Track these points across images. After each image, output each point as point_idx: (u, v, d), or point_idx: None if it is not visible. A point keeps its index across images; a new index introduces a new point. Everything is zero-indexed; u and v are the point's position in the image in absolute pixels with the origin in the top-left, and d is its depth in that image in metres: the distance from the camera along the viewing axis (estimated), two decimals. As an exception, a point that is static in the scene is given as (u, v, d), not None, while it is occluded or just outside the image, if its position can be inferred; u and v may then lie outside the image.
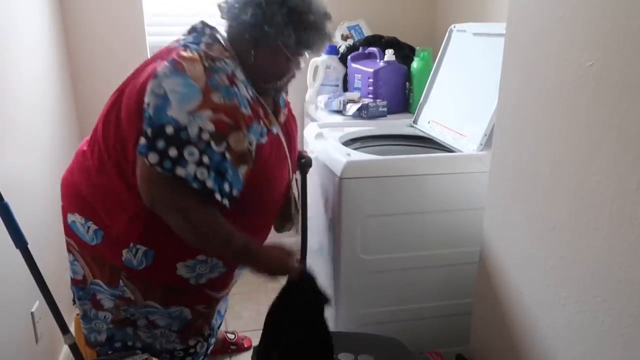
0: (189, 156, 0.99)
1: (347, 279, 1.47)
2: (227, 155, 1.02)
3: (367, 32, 2.34)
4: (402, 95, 2.11)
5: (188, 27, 1.20)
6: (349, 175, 1.37)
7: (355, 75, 2.13)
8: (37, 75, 1.79)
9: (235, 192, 1.07)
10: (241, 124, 1.05)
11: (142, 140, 1.02)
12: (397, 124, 1.90)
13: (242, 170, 1.07)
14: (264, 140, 1.15)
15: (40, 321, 1.55)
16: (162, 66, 1.04)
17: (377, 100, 1.99)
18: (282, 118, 1.30)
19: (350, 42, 2.30)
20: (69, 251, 1.28)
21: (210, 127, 1.00)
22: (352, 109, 1.95)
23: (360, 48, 2.19)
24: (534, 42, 0.96)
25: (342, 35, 2.34)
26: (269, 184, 1.21)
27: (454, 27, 1.78)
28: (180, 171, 0.99)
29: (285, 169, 1.26)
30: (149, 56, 2.27)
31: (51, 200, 1.82)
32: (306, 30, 1.11)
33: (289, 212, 1.39)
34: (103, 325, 1.30)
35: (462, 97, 1.67)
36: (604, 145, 0.80)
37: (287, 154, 1.26)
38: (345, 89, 2.27)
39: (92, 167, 1.17)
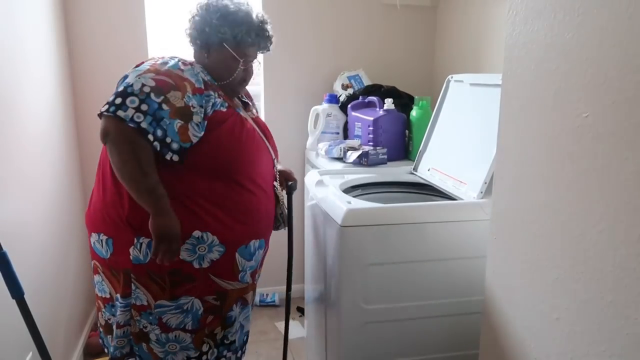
0: (130, 103, 1.23)
1: (348, 329, 1.44)
2: (164, 106, 1.25)
3: (366, 82, 2.40)
4: (401, 142, 2.14)
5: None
6: (349, 223, 1.36)
7: (356, 123, 2.17)
8: (40, 121, 1.82)
9: (173, 144, 1.26)
10: (182, 86, 1.29)
11: (105, 106, 1.25)
12: (397, 171, 1.91)
13: (178, 123, 1.26)
14: (224, 109, 1.38)
15: (33, 374, 1.51)
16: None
17: (378, 147, 2.01)
18: (254, 112, 1.56)
19: (350, 91, 2.35)
20: (96, 273, 1.42)
21: (151, 83, 1.25)
22: (352, 156, 1.97)
23: (360, 97, 2.24)
24: (529, 93, 0.98)
25: (343, 85, 2.40)
26: (247, 152, 1.41)
27: (452, 77, 1.83)
28: (120, 113, 1.22)
29: (265, 151, 1.48)
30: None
31: (49, 249, 1.81)
32: (239, 26, 1.39)
33: (279, 212, 1.55)
34: (124, 340, 1.40)
35: (461, 145, 1.69)
36: (605, 195, 0.80)
37: (265, 140, 1.49)
38: (346, 136, 2.31)
39: (98, 179, 1.40)
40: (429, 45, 2.58)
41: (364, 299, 1.42)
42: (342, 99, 2.32)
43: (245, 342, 1.53)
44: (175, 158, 1.27)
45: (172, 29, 2.35)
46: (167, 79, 1.27)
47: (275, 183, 1.53)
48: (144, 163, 1.25)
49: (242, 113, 1.45)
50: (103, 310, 1.44)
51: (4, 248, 1.16)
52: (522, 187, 1.02)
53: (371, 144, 2.07)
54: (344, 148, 2.03)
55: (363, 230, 1.37)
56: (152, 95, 1.23)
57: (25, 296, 1.19)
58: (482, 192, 1.47)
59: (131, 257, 1.31)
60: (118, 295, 1.36)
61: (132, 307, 1.35)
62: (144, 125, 1.22)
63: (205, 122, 1.31)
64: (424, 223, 1.40)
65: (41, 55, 1.85)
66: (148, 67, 1.29)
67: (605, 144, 0.80)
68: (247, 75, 1.48)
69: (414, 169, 1.89)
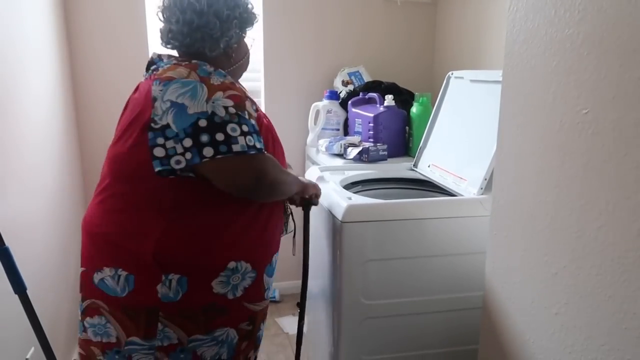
0: (233, 132, 1.09)
1: (348, 324, 1.45)
2: (251, 119, 1.15)
3: (367, 78, 2.40)
4: (402, 139, 2.14)
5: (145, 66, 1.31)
6: (350, 219, 1.37)
7: (356, 119, 2.17)
8: (42, 120, 1.82)
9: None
10: (243, 92, 1.19)
11: (188, 155, 1.09)
12: (397, 168, 1.92)
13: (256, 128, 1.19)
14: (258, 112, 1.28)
15: (35, 369, 1.52)
16: (152, 90, 1.12)
17: (378, 144, 2.01)
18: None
19: (350, 87, 2.36)
20: (98, 314, 1.21)
21: (230, 102, 1.11)
22: (353, 152, 1.98)
23: (361, 93, 2.24)
24: (529, 90, 0.99)
25: (343, 81, 2.40)
26: (276, 150, 1.32)
27: (452, 73, 1.83)
28: (235, 147, 1.09)
29: (279, 146, 1.37)
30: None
31: (51, 245, 1.81)
32: (236, 7, 1.25)
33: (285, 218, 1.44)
34: None
35: (461, 141, 1.69)
36: (603, 191, 0.81)
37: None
38: (346, 133, 2.31)
39: (114, 208, 1.20)
40: (429, 42, 2.59)
41: (364, 295, 1.42)
42: (342, 95, 2.32)
43: None
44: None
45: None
46: (233, 92, 1.15)
47: None
48: (282, 169, 1.22)
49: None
50: (99, 357, 1.24)
51: (6, 244, 1.16)
52: (521, 183, 1.03)
53: (371, 140, 2.08)
54: (344, 144, 2.04)
55: (363, 226, 1.38)
56: (241, 113, 1.12)
57: (27, 291, 1.20)
58: (482, 189, 1.48)
59: (159, 295, 1.16)
60: (135, 339, 1.19)
61: (157, 349, 1.19)
62: (259, 145, 1.14)
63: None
64: (424, 219, 1.40)
65: (41, 55, 1.85)
66: (203, 86, 1.11)
67: (605, 140, 0.80)
68: (248, 60, 1.40)
69: (414, 165, 1.90)
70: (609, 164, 0.80)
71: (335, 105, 2.29)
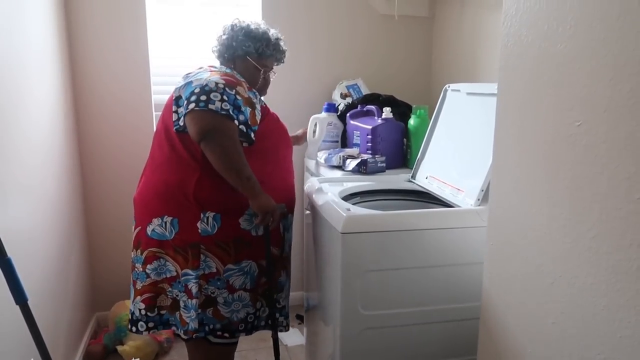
0: (214, 97, 1.43)
1: (347, 334, 1.45)
2: (238, 97, 1.48)
3: (365, 91, 2.43)
4: (400, 151, 2.16)
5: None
6: (349, 230, 1.38)
7: (354, 132, 2.19)
8: (42, 129, 1.84)
9: (249, 128, 1.50)
10: (241, 84, 1.54)
11: (181, 110, 1.49)
12: (395, 179, 1.93)
13: (248, 110, 1.50)
14: (266, 105, 1.65)
15: (34, 380, 1.51)
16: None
17: (376, 155, 2.03)
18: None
19: (349, 100, 2.38)
20: (157, 258, 1.56)
21: (222, 81, 1.48)
22: (351, 164, 1.99)
23: (359, 106, 2.26)
24: (524, 103, 1.01)
25: (341, 94, 2.42)
26: (285, 137, 1.70)
27: (449, 86, 1.85)
28: (211, 106, 1.42)
29: (289, 139, 1.75)
30: (153, 112, 2.35)
31: (50, 256, 1.82)
32: (260, 41, 1.66)
33: None
34: (193, 313, 1.54)
35: (458, 153, 1.71)
36: (596, 202, 0.82)
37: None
38: (344, 145, 2.33)
39: (160, 169, 1.58)
40: (426, 55, 2.62)
41: (363, 305, 1.43)
42: (340, 107, 2.35)
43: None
44: (242, 128, 1.48)
45: (174, 29, 2.38)
46: (231, 78, 1.52)
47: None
48: (242, 152, 1.46)
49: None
50: (169, 289, 1.58)
51: (8, 255, 1.17)
52: (517, 194, 1.05)
53: (370, 152, 2.10)
54: (343, 156, 2.06)
55: (362, 236, 1.39)
56: (227, 89, 1.46)
57: (28, 302, 1.20)
58: (479, 200, 1.49)
59: (200, 231, 1.51)
60: (187, 270, 1.53)
61: (201, 277, 1.52)
62: (231, 112, 1.43)
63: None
64: (422, 230, 1.42)
65: (43, 59, 1.87)
66: (207, 74, 1.53)
67: (597, 152, 0.82)
68: (265, 84, 1.75)
69: (412, 176, 1.91)
70: (601, 175, 0.81)
71: (333, 118, 2.31)
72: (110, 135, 2.33)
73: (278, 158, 1.66)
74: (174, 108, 1.53)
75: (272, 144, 1.63)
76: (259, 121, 1.55)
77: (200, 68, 1.64)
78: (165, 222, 1.53)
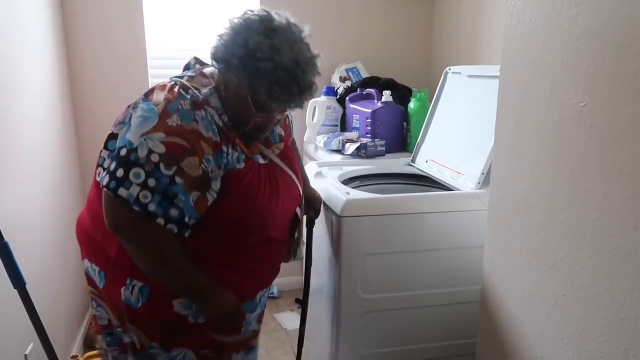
0: (134, 178, 0.99)
1: (347, 318, 1.45)
2: (178, 179, 1.00)
3: (364, 74, 2.40)
4: (399, 135, 2.15)
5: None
6: (348, 214, 1.37)
7: (354, 115, 2.17)
8: (40, 116, 1.82)
9: (190, 220, 1.04)
10: (199, 148, 1.03)
11: (101, 171, 1.10)
12: (395, 163, 1.92)
13: (195, 196, 1.03)
14: (241, 165, 1.12)
15: (34, 365, 1.52)
16: (137, 100, 1.11)
17: (376, 139, 2.02)
18: (276, 152, 1.25)
19: (348, 84, 2.36)
20: (92, 299, 1.26)
21: (161, 149, 1.00)
22: (351, 148, 1.98)
23: (359, 89, 2.24)
24: (527, 84, 0.99)
25: (341, 78, 2.40)
26: (264, 210, 1.16)
27: (450, 69, 1.83)
28: (122, 192, 0.99)
29: (287, 192, 1.23)
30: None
31: (51, 241, 1.81)
32: (261, 79, 1.03)
33: (293, 247, 1.33)
34: None
35: (459, 137, 1.70)
36: (600, 184, 0.82)
37: (291, 174, 1.25)
38: (343, 129, 2.31)
39: (93, 192, 1.20)
40: (427, 38, 2.59)
41: (363, 289, 1.43)
42: (340, 91, 2.32)
43: None
44: (173, 228, 1.03)
45: (170, 24, 2.35)
46: (181, 141, 1.01)
47: (297, 210, 1.30)
48: (166, 254, 1.06)
49: (263, 157, 1.20)
50: (102, 336, 1.28)
51: (5, 239, 1.16)
52: (519, 176, 1.04)
53: (369, 136, 2.08)
54: (342, 140, 2.04)
55: (362, 220, 1.38)
56: (162, 167, 0.99)
57: (27, 287, 1.20)
58: (479, 183, 1.48)
59: (123, 298, 1.12)
60: (119, 323, 1.20)
61: (127, 345, 1.21)
62: (152, 208, 0.99)
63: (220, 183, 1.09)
64: (422, 213, 1.41)
65: (39, 52, 1.85)
66: (156, 119, 1.02)
67: (602, 133, 0.81)
68: (266, 126, 1.17)
69: (412, 160, 1.90)
70: (605, 157, 0.80)
71: (332, 102, 2.29)
72: (108, 120, 2.30)
73: (251, 237, 1.16)
74: (106, 143, 1.11)
75: (241, 221, 1.13)
76: (217, 198, 1.07)
77: (169, 90, 1.08)
78: (95, 270, 1.18)
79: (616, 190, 0.78)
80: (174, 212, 1.01)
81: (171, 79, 1.15)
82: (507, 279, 1.10)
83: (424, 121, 1.91)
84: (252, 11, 1.09)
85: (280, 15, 1.10)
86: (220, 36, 1.09)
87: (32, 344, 1.51)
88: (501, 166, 1.11)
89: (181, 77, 1.15)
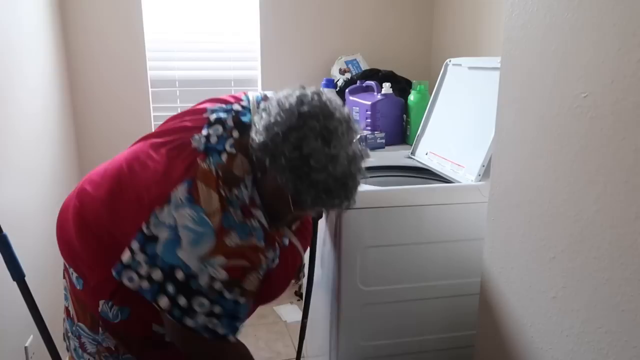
0: (199, 307, 0.93)
1: (347, 311, 1.45)
2: (241, 299, 0.96)
3: (364, 66, 2.39)
4: (399, 127, 2.14)
5: (221, 98, 1.12)
6: (348, 206, 1.37)
7: (353, 108, 2.16)
8: (38, 109, 1.81)
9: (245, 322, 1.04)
10: (257, 263, 0.97)
11: (146, 284, 0.95)
12: (395, 156, 1.91)
13: (250, 302, 1.02)
14: (275, 264, 1.08)
15: (34, 356, 1.52)
16: (177, 190, 0.94)
17: (375, 132, 2.01)
18: (297, 225, 1.20)
19: (347, 76, 2.35)
20: (65, 286, 1.22)
21: (223, 275, 0.92)
22: (350, 140, 1.97)
23: (358, 82, 2.23)
24: (528, 75, 0.99)
25: (340, 70, 2.39)
26: (273, 290, 1.16)
27: (450, 61, 1.82)
28: (189, 322, 0.94)
29: (296, 265, 1.22)
30: (149, 89, 2.32)
31: (49, 232, 1.81)
32: (310, 187, 0.94)
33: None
34: None
35: (459, 129, 1.69)
36: (601, 175, 0.81)
37: (302, 252, 1.23)
38: (343, 121, 2.30)
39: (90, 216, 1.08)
40: (426, 30, 2.57)
41: (362, 281, 1.43)
42: (339, 83, 2.31)
43: None
44: (235, 340, 1.02)
45: (169, 15, 2.33)
46: (242, 262, 0.94)
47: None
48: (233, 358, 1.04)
49: (287, 239, 1.15)
50: (65, 319, 1.21)
51: (4, 231, 1.16)
52: (519, 168, 1.03)
53: (369, 128, 2.07)
54: (341, 133, 2.03)
55: (361, 212, 1.38)
56: (226, 293, 0.93)
57: (25, 279, 1.20)
58: (480, 175, 1.48)
59: (99, 310, 1.06)
60: (84, 326, 1.13)
61: (100, 344, 1.13)
62: (221, 331, 0.96)
63: None
64: (422, 206, 1.41)
65: (37, 47, 1.83)
66: (212, 238, 0.92)
67: (603, 124, 0.80)
68: (300, 219, 1.14)
69: (411, 153, 1.90)
70: (607, 148, 0.80)
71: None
72: (105, 112, 2.30)
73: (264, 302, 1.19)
74: (135, 242, 0.95)
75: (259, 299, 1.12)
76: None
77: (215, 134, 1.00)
78: (72, 273, 1.11)
79: (617, 182, 0.78)
80: (238, 324, 0.99)
81: (209, 149, 0.99)
82: (506, 271, 1.10)
83: (423, 113, 1.90)
84: (305, 96, 0.97)
85: (332, 102, 0.99)
86: (269, 119, 0.95)
87: (31, 336, 1.51)
88: (501, 158, 1.11)
89: (219, 151, 0.99)
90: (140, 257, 0.95)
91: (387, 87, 2.09)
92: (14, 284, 1.19)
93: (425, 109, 1.90)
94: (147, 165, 1.01)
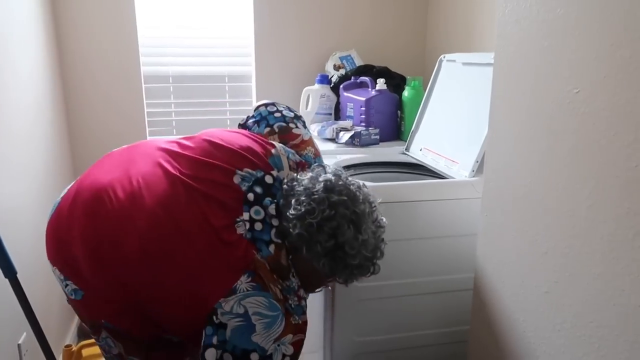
0: None
1: (340, 306, 1.46)
2: None
3: (358, 62, 2.39)
4: (393, 123, 2.14)
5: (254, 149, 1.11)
6: (342, 202, 1.37)
7: (348, 104, 2.16)
8: (29, 104, 1.80)
9: None
10: (305, 333, 1.05)
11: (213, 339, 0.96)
12: (389, 152, 1.92)
13: None
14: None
15: (27, 354, 1.52)
16: (241, 281, 0.96)
17: (370, 128, 2.01)
18: None
19: (342, 71, 2.34)
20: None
21: (291, 350, 0.98)
22: (344, 136, 1.97)
23: (352, 77, 2.23)
24: (521, 70, 0.99)
25: (335, 65, 2.38)
26: None
27: (444, 57, 1.82)
28: None
29: None
30: (142, 85, 2.30)
31: (41, 229, 1.80)
32: (345, 269, 1.04)
33: None
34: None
35: (453, 125, 1.69)
36: (594, 170, 0.81)
37: None
38: (337, 117, 2.30)
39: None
40: (421, 25, 2.57)
41: (357, 277, 1.43)
42: (334, 79, 2.31)
43: None
44: None
45: (162, 10, 2.32)
46: (302, 337, 1.02)
47: None
48: None
49: None
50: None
51: (-4, 228, 1.15)
52: (513, 163, 1.03)
53: (363, 124, 2.07)
54: (336, 129, 2.03)
55: (356, 209, 1.38)
56: None
57: (18, 276, 1.19)
58: (473, 171, 1.49)
59: (103, 320, 1.04)
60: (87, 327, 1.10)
61: (102, 348, 1.11)
62: None
63: None
64: (416, 201, 1.41)
65: (28, 37, 1.82)
66: (283, 321, 0.97)
67: (596, 119, 0.80)
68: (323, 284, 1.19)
69: (406, 149, 1.90)
70: (599, 143, 0.80)
71: (326, 90, 2.28)
72: (98, 108, 2.28)
73: None
74: (212, 337, 0.96)
75: None
76: None
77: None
78: (67, 285, 1.04)
79: (610, 177, 0.78)
80: None
81: (256, 240, 1.01)
82: (499, 266, 1.10)
83: (418, 109, 1.90)
84: (331, 182, 1.03)
85: (353, 183, 1.07)
86: (300, 209, 1.00)
87: (24, 333, 1.50)
88: (495, 154, 1.11)
89: (267, 242, 1.02)
90: (213, 339, 0.96)
91: (381, 83, 2.09)
92: (6, 281, 1.18)
93: (419, 105, 1.90)
94: (194, 241, 0.99)
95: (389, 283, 1.46)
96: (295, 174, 1.10)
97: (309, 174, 1.07)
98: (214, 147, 1.10)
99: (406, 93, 2.09)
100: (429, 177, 1.70)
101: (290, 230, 1.01)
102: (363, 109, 2.07)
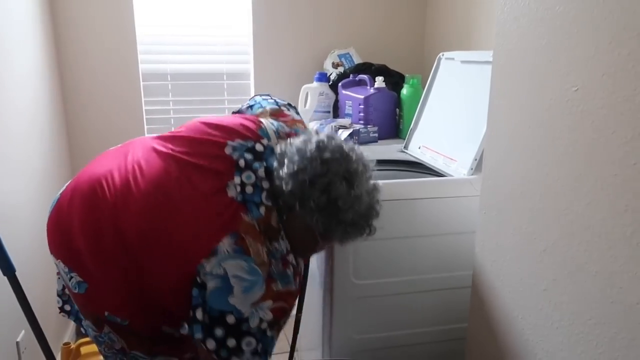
0: (246, 346, 0.97)
1: (339, 304, 1.46)
2: (276, 335, 1.03)
3: (357, 60, 2.39)
4: (392, 121, 2.14)
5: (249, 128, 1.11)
6: (341, 200, 1.37)
7: (346, 101, 2.16)
8: (28, 102, 1.79)
9: None
10: (292, 303, 1.06)
11: (197, 326, 0.98)
12: (388, 150, 1.92)
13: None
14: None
15: (26, 351, 1.52)
16: (223, 242, 0.97)
17: (368, 126, 2.01)
18: None
19: (340, 69, 2.34)
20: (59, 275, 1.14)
21: (270, 316, 0.98)
22: (343, 134, 1.97)
23: (351, 75, 2.23)
24: (520, 69, 0.99)
25: (333, 63, 2.38)
26: None
27: (443, 55, 1.82)
28: None
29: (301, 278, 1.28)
30: (141, 82, 2.30)
31: (40, 226, 1.80)
32: (338, 225, 1.03)
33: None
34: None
35: (452, 123, 1.69)
36: (592, 168, 0.82)
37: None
38: (335, 115, 2.30)
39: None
40: (419, 23, 2.57)
41: (355, 275, 1.43)
42: (332, 77, 2.31)
43: None
44: None
45: (161, 13, 2.31)
46: (283, 304, 1.02)
47: None
48: None
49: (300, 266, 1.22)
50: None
51: (-6, 226, 1.15)
52: (511, 161, 1.04)
53: (362, 122, 2.07)
54: (335, 127, 2.03)
55: (354, 206, 1.38)
56: (268, 331, 1.00)
57: (16, 274, 1.19)
58: (472, 169, 1.49)
59: (106, 314, 1.04)
60: (89, 322, 1.09)
61: (106, 344, 1.11)
62: None
63: None
64: (415, 199, 1.41)
65: (26, 35, 1.81)
66: (263, 286, 0.97)
67: (594, 117, 0.81)
68: (322, 249, 1.20)
69: (404, 147, 1.90)
70: (597, 141, 0.80)
71: (325, 88, 2.28)
72: (97, 105, 2.28)
73: None
74: (198, 298, 0.98)
75: None
76: None
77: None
78: (72, 277, 1.04)
79: (608, 175, 0.79)
80: (269, 357, 1.03)
81: (247, 201, 1.01)
82: (498, 263, 1.11)
83: (416, 107, 1.90)
84: (323, 142, 1.02)
85: (346, 144, 1.07)
86: (293, 167, 1.00)
87: (23, 331, 1.50)
88: (493, 152, 1.11)
89: (258, 203, 1.02)
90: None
91: (380, 81, 2.09)
92: (5, 279, 1.18)
93: (418, 103, 1.90)
94: (183, 210, 1.01)
95: (387, 280, 1.46)
96: (288, 139, 1.10)
97: (302, 137, 1.07)
98: (206, 126, 1.12)
99: (405, 91, 2.10)
100: (428, 175, 1.71)
101: (283, 188, 1.01)
102: (362, 106, 2.07)
